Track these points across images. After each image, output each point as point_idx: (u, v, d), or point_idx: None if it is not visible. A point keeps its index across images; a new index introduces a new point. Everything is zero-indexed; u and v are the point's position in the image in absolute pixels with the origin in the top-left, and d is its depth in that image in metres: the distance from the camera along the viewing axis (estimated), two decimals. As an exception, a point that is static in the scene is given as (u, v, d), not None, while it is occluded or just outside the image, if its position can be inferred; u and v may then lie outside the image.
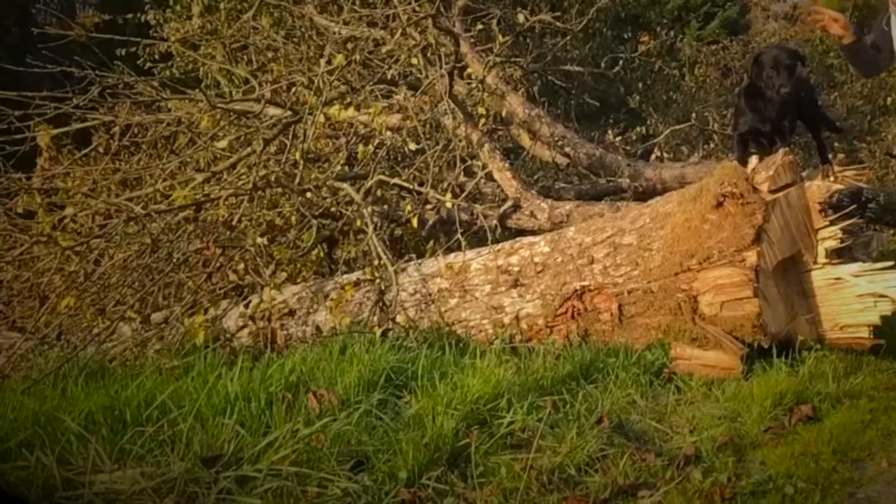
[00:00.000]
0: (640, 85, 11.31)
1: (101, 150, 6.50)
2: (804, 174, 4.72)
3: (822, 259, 4.36)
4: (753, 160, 4.69)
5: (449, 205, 5.56)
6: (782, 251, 4.26)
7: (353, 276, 5.52)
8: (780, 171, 4.33)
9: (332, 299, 5.28)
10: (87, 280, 5.25)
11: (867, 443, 3.18)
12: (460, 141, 6.24)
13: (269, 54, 7.52)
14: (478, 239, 5.82)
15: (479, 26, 7.69)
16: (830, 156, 6.59)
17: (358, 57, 6.43)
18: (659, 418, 3.50)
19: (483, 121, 6.52)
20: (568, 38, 9.71)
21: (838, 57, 13.35)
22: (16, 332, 5.73)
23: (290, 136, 5.87)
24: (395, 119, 6.62)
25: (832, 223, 4.35)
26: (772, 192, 4.28)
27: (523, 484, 2.70)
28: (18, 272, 5.73)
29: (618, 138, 8.96)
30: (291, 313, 5.41)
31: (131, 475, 2.57)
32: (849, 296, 4.29)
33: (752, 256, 4.13)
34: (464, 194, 5.92)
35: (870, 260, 4.45)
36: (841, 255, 4.38)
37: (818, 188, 4.43)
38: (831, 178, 4.92)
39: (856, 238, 4.48)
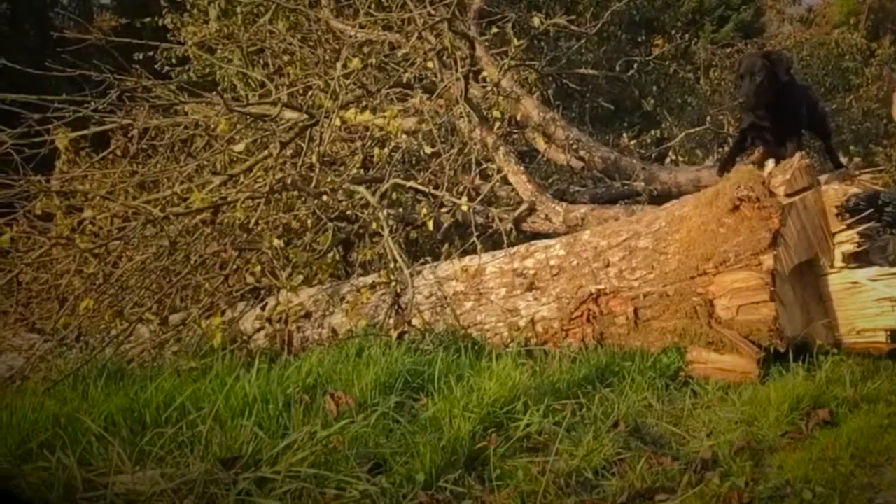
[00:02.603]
0: (655, 88, 11.28)
1: (119, 152, 6.57)
2: (822, 178, 4.71)
3: (838, 263, 4.34)
4: (770, 163, 4.67)
5: (465, 208, 5.58)
6: (799, 255, 4.24)
7: (369, 279, 5.54)
8: (797, 175, 4.32)
9: (348, 302, 5.31)
10: (105, 282, 5.29)
11: (885, 447, 3.15)
12: (475, 144, 6.26)
13: (286, 58, 7.57)
14: (493, 242, 5.83)
15: (494, 30, 7.72)
16: (846, 160, 6.60)
17: (374, 60, 6.48)
18: (675, 422, 3.49)
19: (498, 124, 6.54)
20: (582, 41, 9.71)
21: (854, 60, 13.33)
22: (35, 333, 5.77)
23: (307, 140, 5.90)
24: (410, 122, 6.63)
25: (849, 227, 4.32)
26: (788, 195, 4.27)
27: (541, 487, 2.71)
28: (37, 274, 5.77)
29: (632, 141, 8.91)
30: (308, 316, 5.44)
31: (151, 476, 2.59)
32: (866, 300, 4.27)
33: (768, 260, 4.11)
34: (479, 197, 5.93)
35: (887, 264, 4.41)
36: (858, 259, 4.35)
37: (835, 192, 4.40)
38: (848, 182, 4.92)
39: (873, 242, 4.44)
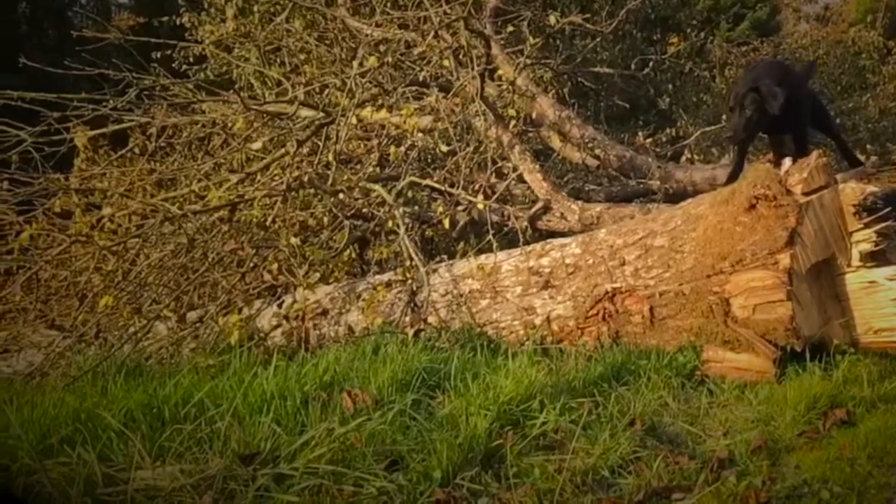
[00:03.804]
0: (670, 86, 11.26)
1: (137, 151, 6.61)
2: (840, 176, 4.69)
3: (855, 262, 4.32)
4: (787, 162, 4.67)
5: (480, 206, 5.59)
6: (816, 254, 4.23)
7: (385, 277, 5.56)
8: (814, 174, 4.30)
9: (364, 300, 5.33)
10: (124, 279, 5.33)
11: (903, 447, 3.15)
12: (491, 142, 6.27)
13: (302, 56, 7.60)
14: (508, 240, 5.84)
15: (510, 28, 7.72)
16: (862, 158, 6.56)
17: (390, 59, 6.48)
18: (692, 421, 3.49)
19: (514, 122, 6.54)
20: (598, 39, 9.70)
21: (870, 58, 13.24)
22: (54, 330, 5.82)
23: (323, 138, 5.93)
24: (426, 121, 6.64)
25: (866, 226, 4.30)
26: (805, 194, 4.25)
27: (558, 485, 2.72)
28: (57, 271, 5.82)
29: (648, 140, 8.90)
30: (324, 313, 5.46)
31: (171, 472, 2.62)
32: (883, 299, 4.24)
33: (785, 259, 4.10)
34: (495, 196, 5.94)
35: (905, 263, 4.39)
36: (875, 258, 4.33)
37: (852, 190, 4.38)
38: (865, 181, 4.90)
39: (890, 241, 4.42)
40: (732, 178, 5.26)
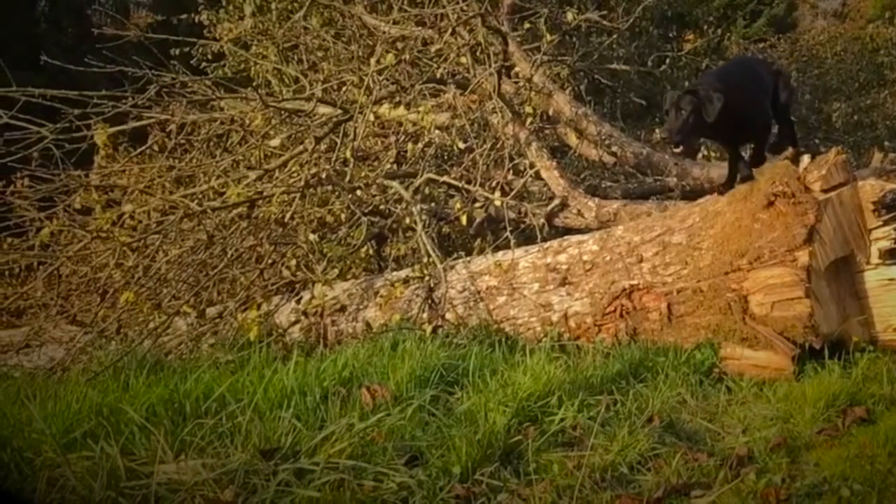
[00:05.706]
0: (687, 84, 11.20)
1: (156, 148, 6.64)
2: (858, 174, 4.66)
3: (875, 259, 4.30)
4: (805, 159, 4.65)
5: (497, 203, 5.60)
6: (834, 251, 4.21)
7: (403, 274, 5.57)
8: (833, 171, 4.28)
9: (381, 296, 5.34)
10: (144, 275, 5.37)
11: (923, 445, 3.13)
12: (508, 139, 6.28)
13: (320, 54, 7.63)
14: (525, 237, 5.84)
15: (527, 25, 7.72)
16: (880, 156, 6.52)
17: (407, 56, 6.50)
18: (710, 418, 3.49)
19: (530, 119, 6.55)
20: (614, 36, 9.68)
21: (889, 55, 13.17)
22: (75, 325, 5.87)
23: (341, 135, 5.95)
24: (443, 118, 6.66)
25: (885, 223, 4.28)
26: (824, 191, 4.24)
27: (577, 482, 2.72)
28: (77, 267, 5.86)
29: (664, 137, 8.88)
30: (342, 309, 5.48)
31: (193, 466, 2.63)
32: (902, 297, 4.24)
33: (803, 256, 4.09)
34: (512, 193, 5.95)
35: (923, 261, 4.37)
36: (894, 255, 4.31)
37: (871, 188, 4.36)
38: (884, 178, 4.86)
39: (910, 239, 4.41)
40: (746, 176, 5.23)
